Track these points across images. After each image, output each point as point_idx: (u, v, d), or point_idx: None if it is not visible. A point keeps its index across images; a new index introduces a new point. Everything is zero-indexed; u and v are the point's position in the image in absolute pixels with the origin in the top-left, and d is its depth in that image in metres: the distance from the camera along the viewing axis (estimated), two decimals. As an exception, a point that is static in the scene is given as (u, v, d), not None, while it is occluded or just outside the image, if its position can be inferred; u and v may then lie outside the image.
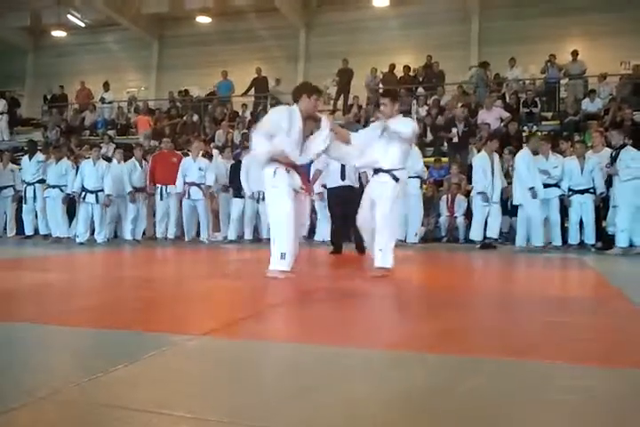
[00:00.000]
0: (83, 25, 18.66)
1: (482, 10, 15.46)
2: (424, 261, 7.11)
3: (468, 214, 9.22)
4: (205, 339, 2.34)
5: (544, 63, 13.30)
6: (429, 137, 12.06)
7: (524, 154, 8.04)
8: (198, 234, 9.44)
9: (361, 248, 6.60)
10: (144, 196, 9.59)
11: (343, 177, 6.98)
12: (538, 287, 4.36)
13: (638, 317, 3.02)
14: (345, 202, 6.74)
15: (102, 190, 9.05)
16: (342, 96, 14.39)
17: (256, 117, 14.34)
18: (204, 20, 17.42)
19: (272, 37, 16.88)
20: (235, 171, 9.21)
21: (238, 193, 9.18)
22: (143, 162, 9.68)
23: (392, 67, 14.26)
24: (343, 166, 6.86)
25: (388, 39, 15.95)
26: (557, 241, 8.14)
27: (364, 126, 12.67)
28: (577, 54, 13.13)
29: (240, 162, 9.21)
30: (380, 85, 14.37)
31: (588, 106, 11.90)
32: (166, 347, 2.16)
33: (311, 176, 7.88)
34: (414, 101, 13.44)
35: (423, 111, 12.94)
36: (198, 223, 9.44)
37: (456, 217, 9.81)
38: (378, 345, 2.31)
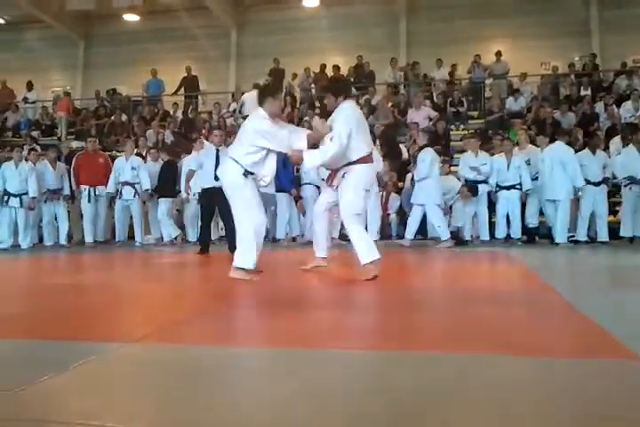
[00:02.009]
0: (2, 21, 17.85)
1: (409, 12, 15.83)
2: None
3: (400, 211, 9.44)
4: (136, 346, 2.31)
5: (470, 64, 13.76)
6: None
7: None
8: (130, 237, 9.25)
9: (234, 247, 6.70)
10: (59, 197, 9.26)
11: (217, 177, 6.78)
12: (468, 282, 4.51)
13: (565, 308, 3.18)
14: (218, 202, 6.64)
15: (26, 193, 8.73)
16: (275, 96, 14.34)
17: (187, 117, 14.19)
18: (132, 17, 17.02)
19: (203, 36, 16.67)
20: (166, 171, 9.06)
21: (167, 193, 9.05)
22: (59, 163, 9.41)
23: (323, 67, 14.37)
24: (217, 167, 6.54)
25: (318, 39, 16.07)
26: (485, 235, 8.45)
27: (298, 126, 12.82)
28: (500, 55, 13.64)
29: (170, 162, 9.09)
30: (313, 85, 14.46)
31: (512, 105, 12.38)
32: (96, 355, 2.12)
33: (183, 177, 8.13)
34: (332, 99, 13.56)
35: (355, 111, 13.09)
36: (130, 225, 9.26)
37: (389, 214, 9.99)
38: (312, 344, 2.34)
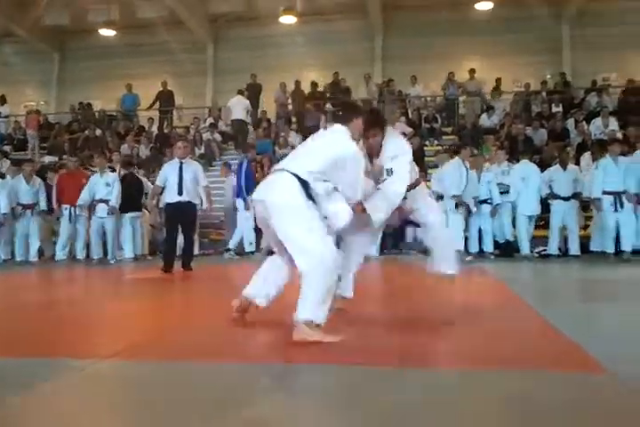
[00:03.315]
0: (-25, 35, 17.69)
1: (385, 28, 16.05)
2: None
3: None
4: (108, 362, 2.29)
5: (444, 80, 13.97)
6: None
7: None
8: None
9: (187, 264, 6.78)
10: (32, 212, 9.15)
11: (181, 192, 6.74)
12: (441, 295, 4.54)
13: (536, 320, 3.22)
14: (182, 217, 6.73)
15: (-3, 209, 8.62)
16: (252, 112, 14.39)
17: (162, 132, 14.16)
18: (108, 32, 16.97)
19: (179, 51, 16.69)
20: (125, 185, 9.03)
21: (129, 208, 9.01)
22: (34, 178, 9.31)
23: (298, 83, 14.47)
24: (181, 181, 6.72)
25: (295, 55, 16.20)
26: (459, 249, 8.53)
27: (274, 142, 12.88)
28: (474, 72, 13.87)
29: (129, 176, 9.10)
30: (289, 101, 14.55)
31: (485, 121, 12.58)
32: (67, 373, 2.09)
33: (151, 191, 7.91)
34: (323, 117, 13.67)
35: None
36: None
37: None
38: (273, 359, 2.34)
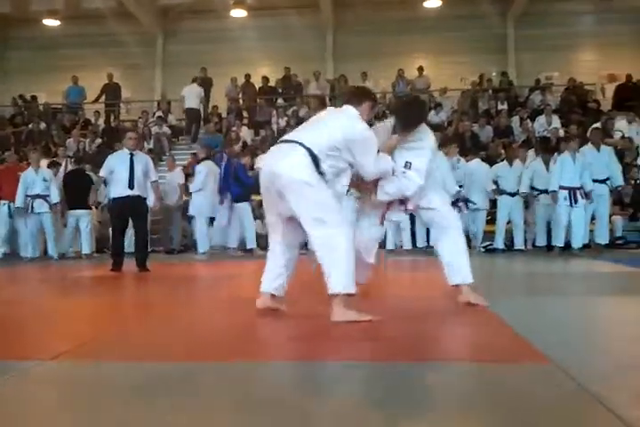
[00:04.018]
0: None
1: (336, 25, 16.11)
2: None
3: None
4: (53, 363, 2.25)
5: (394, 77, 14.15)
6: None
7: None
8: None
9: (142, 264, 6.36)
10: None
11: (132, 186, 6.34)
12: (395, 289, 4.63)
13: (484, 312, 3.32)
14: (132, 212, 6.38)
15: None
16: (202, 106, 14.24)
17: (109, 126, 13.86)
18: (52, 22, 16.44)
19: (127, 43, 16.30)
20: (71, 181, 8.81)
21: (75, 205, 8.81)
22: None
23: (248, 77, 14.39)
24: (132, 173, 6.34)
25: (246, 50, 16.06)
26: (408, 244, 8.69)
27: (225, 136, 12.77)
28: (422, 70, 14.10)
29: (76, 172, 8.88)
30: (240, 95, 14.46)
31: (433, 118, 12.80)
32: (9, 375, 2.06)
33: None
34: (274, 112, 13.67)
35: (283, 122, 13.20)
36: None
37: None
38: (229, 358, 2.36)
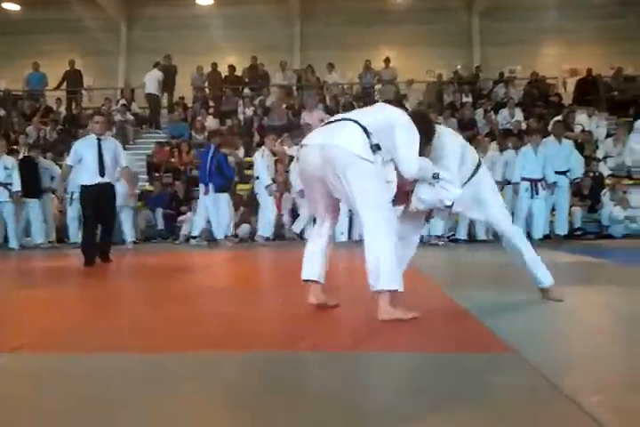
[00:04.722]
0: None
1: (304, 15, 16.05)
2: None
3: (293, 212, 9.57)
4: (12, 356, 2.22)
5: (361, 69, 14.18)
6: (257, 138, 12.25)
7: None
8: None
9: (106, 255, 6.08)
10: None
11: (102, 173, 6.01)
12: (355, 278, 4.67)
13: (446, 302, 3.38)
14: (102, 202, 5.99)
15: None
16: (166, 94, 14.06)
17: (71, 113, 13.60)
18: (12, 7, 16.00)
19: (90, 29, 16.01)
20: (24, 170, 8.63)
21: (29, 194, 8.64)
22: None
23: (215, 65, 14.25)
24: (101, 159, 6.01)
25: (213, 38, 15.91)
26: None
27: (191, 126, 12.62)
28: (389, 61, 14.16)
29: (27, 160, 8.68)
30: (206, 84, 14.32)
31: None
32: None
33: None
34: (240, 102, 13.57)
35: (249, 112, 13.12)
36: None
37: (282, 215, 9.99)
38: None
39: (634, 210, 9.42)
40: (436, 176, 3.12)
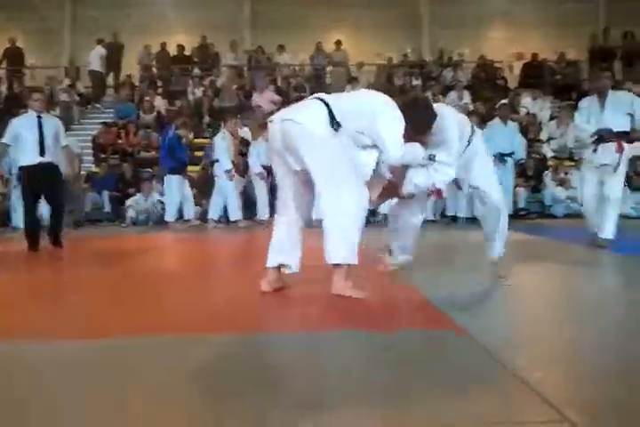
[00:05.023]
0: None
1: (254, -5, 15.86)
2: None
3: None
4: None
5: (312, 50, 14.12)
6: (207, 119, 12.10)
7: None
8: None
9: (57, 239, 5.83)
10: None
11: (42, 152, 5.72)
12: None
13: (406, 288, 3.44)
14: (45, 183, 5.73)
15: None
16: (112, 73, 13.70)
17: (12, 92, 13.13)
18: (-55, -21, 15.22)
19: (34, 6, 15.37)
20: None
21: None
22: None
23: (164, 45, 13.95)
24: (42, 138, 5.71)
25: (161, 17, 15.54)
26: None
27: (138, 106, 12.35)
28: (341, 44, 14.14)
29: None
30: (154, 63, 14.02)
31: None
32: None
33: None
34: (190, 82, 13.34)
35: (199, 92, 12.92)
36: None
37: None
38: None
39: (575, 190, 9.75)
40: (432, 158, 3.14)
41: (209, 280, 3.73)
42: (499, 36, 15.90)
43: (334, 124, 2.77)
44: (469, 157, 3.38)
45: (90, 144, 11.07)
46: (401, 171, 3.13)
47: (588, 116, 5.08)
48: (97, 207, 9.82)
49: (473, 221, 8.44)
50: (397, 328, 2.35)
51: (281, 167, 2.94)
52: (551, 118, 11.46)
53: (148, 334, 2.20)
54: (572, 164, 10.31)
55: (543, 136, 10.86)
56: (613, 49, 13.84)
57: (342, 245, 2.76)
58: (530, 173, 9.94)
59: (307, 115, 2.82)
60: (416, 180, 3.17)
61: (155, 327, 2.31)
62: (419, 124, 3.03)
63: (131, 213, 9.16)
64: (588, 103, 5.20)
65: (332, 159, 2.77)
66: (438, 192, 3.36)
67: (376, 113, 2.83)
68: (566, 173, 9.87)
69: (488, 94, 12.42)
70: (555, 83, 13.50)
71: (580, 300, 3.00)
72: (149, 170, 10.18)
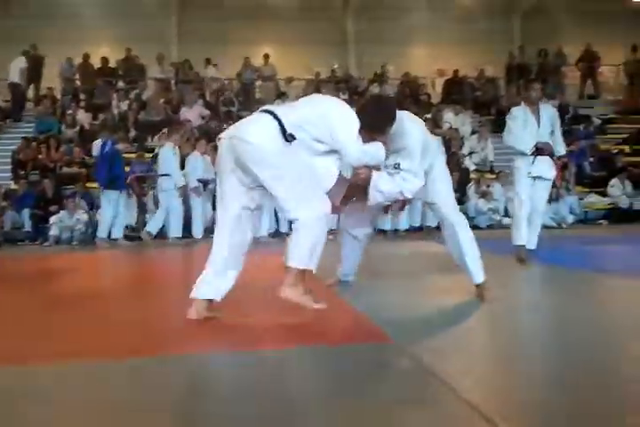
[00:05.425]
0: None
1: (181, 7, 15.73)
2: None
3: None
4: None
5: (241, 64, 14.14)
6: (133, 132, 11.85)
7: None
8: None
9: None
10: None
11: None
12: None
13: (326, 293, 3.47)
14: None
15: None
16: (33, 86, 13.21)
17: None
18: None
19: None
20: None
21: None
22: None
23: (87, 56, 13.59)
24: None
25: (85, 28, 15.14)
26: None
27: (60, 120, 11.95)
28: (268, 57, 14.23)
29: None
30: (77, 76, 13.62)
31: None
32: None
33: None
34: (114, 95, 13.05)
35: (124, 106, 12.66)
36: None
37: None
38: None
39: (496, 202, 10.19)
40: (396, 167, 3.04)
41: (136, 302, 3.62)
42: (422, 52, 16.44)
43: (287, 136, 2.68)
44: (434, 174, 3.28)
45: (9, 160, 10.62)
46: (367, 174, 2.99)
47: (524, 126, 4.96)
48: (17, 226, 9.40)
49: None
50: (329, 342, 2.39)
51: (229, 186, 2.79)
52: (472, 133, 11.94)
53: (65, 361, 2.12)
54: (493, 177, 10.78)
55: (465, 150, 11.29)
56: (529, 66, 14.57)
57: (303, 250, 2.67)
58: (454, 185, 10.27)
59: (256, 131, 2.71)
60: (382, 186, 3.04)
61: (71, 353, 2.22)
62: (378, 121, 2.93)
63: (54, 231, 8.82)
64: (522, 113, 5.04)
65: (288, 174, 2.69)
66: (404, 202, 3.28)
67: (328, 117, 2.77)
68: (488, 186, 10.29)
69: (412, 109, 12.73)
70: (475, 98, 14.08)
71: (507, 310, 3.08)
72: (72, 186, 9.85)
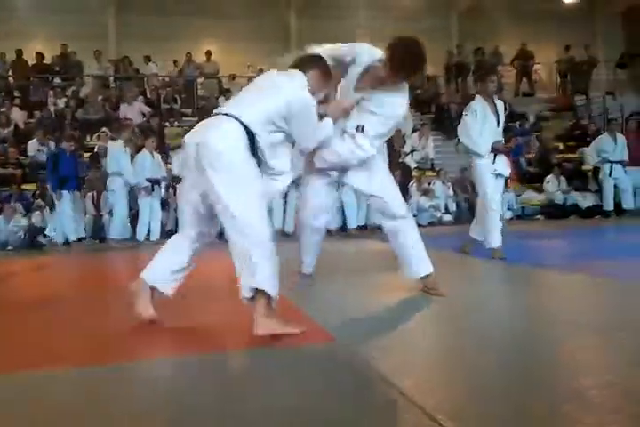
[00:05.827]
0: None
1: (119, 3, 15.35)
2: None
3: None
4: None
5: (183, 61, 13.93)
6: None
7: None
8: None
9: None
10: None
11: None
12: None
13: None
14: None
15: None
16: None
17: None
18: None
19: None
20: None
21: None
22: None
23: (20, 53, 13.11)
24: None
25: (18, 22, 14.58)
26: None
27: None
28: (211, 54, 14.08)
29: None
30: (10, 73, 13.13)
31: (224, 103, 12.88)
32: None
33: None
34: (51, 92, 12.64)
35: (61, 103, 12.28)
36: None
37: (102, 215, 9.15)
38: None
39: (437, 199, 10.42)
40: (359, 129, 2.96)
41: (74, 308, 3.53)
42: (365, 50, 16.56)
43: (250, 136, 2.54)
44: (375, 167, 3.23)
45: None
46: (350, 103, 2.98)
47: (483, 122, 4.87)
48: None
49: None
50: (276, 345, 2.39)
51: (190, 190, 2.69)
52: (414, 131, 12.13)
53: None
54: (434, 174, 11.01)
55: (407, 148, 11.46)
56: (467, 64, 14.91)
57: (255, 274, 2.43)
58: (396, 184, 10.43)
59: (220, 135, 2.53)
60: (338, 148, 3.00)
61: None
62: (406, 64, 2.91)
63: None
64: (480, 107, 4.92)
65: (248, 187, 2.52)
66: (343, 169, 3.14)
67: (293, 114, 2.62)
68: (429, 184, 10.51)
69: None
70: (416, 97, 14.31)
71: (456, 307, 3.11)
72: (6, 189, 9.47)
